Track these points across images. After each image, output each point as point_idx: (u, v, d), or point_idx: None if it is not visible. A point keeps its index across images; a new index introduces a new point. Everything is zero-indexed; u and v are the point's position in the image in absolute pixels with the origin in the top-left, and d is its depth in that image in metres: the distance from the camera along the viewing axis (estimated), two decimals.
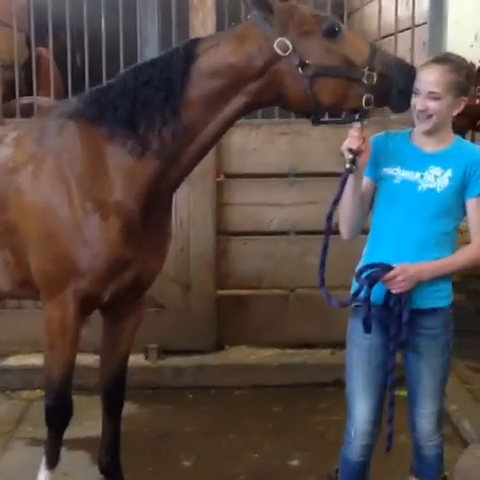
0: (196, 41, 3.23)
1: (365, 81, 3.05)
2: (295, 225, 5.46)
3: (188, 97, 3.14)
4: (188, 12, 5.18)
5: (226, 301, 5.53)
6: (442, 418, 3.35)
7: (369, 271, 3.06)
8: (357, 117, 3.09)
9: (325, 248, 3.15)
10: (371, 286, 3.05)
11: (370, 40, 3.28)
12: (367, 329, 3.10)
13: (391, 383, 3.20)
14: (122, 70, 5.00)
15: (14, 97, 5.33)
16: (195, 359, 5.42)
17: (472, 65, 7.36)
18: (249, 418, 4.86)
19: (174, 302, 5.44)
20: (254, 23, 3.14)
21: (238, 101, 3.17)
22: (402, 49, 5.40)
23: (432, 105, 3.05)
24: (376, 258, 3.11)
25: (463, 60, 3.16)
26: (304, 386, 5.23)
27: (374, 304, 3.10)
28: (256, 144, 5.28)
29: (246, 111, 3.25)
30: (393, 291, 3.06)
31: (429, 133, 3.11)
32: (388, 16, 5.64)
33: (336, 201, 3.13)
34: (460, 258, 3.15)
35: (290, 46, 3.07)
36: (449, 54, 3.23)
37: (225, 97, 3.15)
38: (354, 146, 3.02)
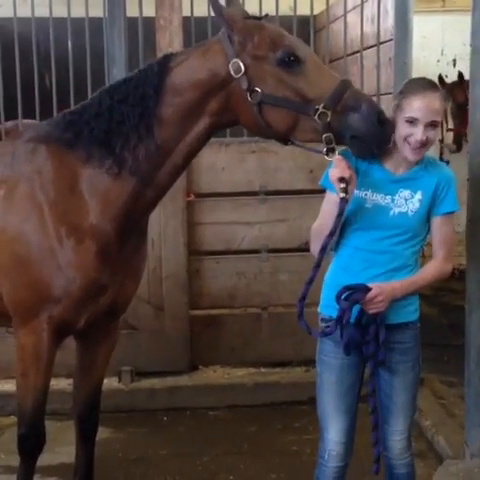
0: (169, 56, 3.21)
1: (317, 119, 2.93)
2: (266, 243, 5.47)
3: (161, 113, 3.12)
4: (155, 32, 5.18)
5: (199, 321, 5.52)
6: (411, 435, 3.34)
7: (347, 293, 3.03)
8: (324, 151, 2.98)
9: (311, 281, 3.02)
10: (351, 308, 3.03)
11: (345, 77, 3.12)
12: (348, 351, 3.09)
13: (373, 406, 3.18)
14: (89, 89, 5.10)
15: None
16: (169, 380, 5.39)
17: (442, 80, 7.46)
18: (224, 439, 4.82)
19: (147, 323, 5.40)
20: (219, 39, 3.11)
21: (204, 120, 3.14)
22: (369, 65, 5.44)
23: (431, 134, 3.02)
24: (347, 277, 3.09)
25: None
26: (279, 405, 5.22)
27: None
28: (225, 163, 5.28)
29: (211, 131, 3.20)
30: (371, 311, 3.03)
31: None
32: (354, 33, 5.71)
33: (332, 234, 3.02)
34: (428, 274, 3.16)
35: (242, 68, 3.02)
36: (429, 79, 3.16)
37: (193, 115, 3.13)
38: (346, 175, 2.93)
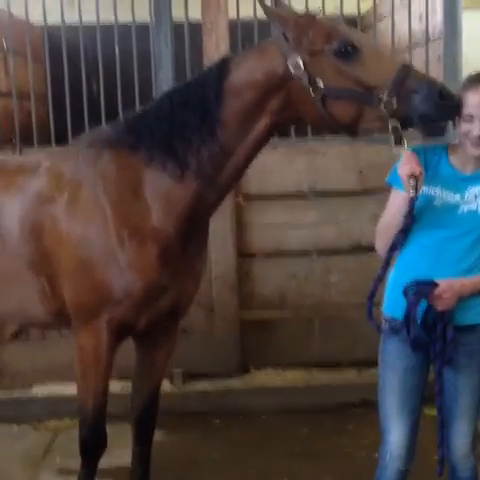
0: (227, 59, 3.23)
1: (382, 107, 2.92)
2: (316, 244, 5.43)
3: (223, 115, 3.13)
4: (201, 35, 5.18)
5: (250, 323, 5.49)
6: (475, 438, 3.28)
7: (415, 288, 2.99)
8: (393, 144, 2.95)
9: (380, 279, 3.02)
10: (419, 303, 2.99)
11: (405, 62, 3.08)
12: (415, 348, 3.05)
13: (439, 406, 3.13)
14: (137, 95, 5.13)
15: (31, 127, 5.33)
16: (220, 383, 5.38)
17: None
18: (277, 442, 4.80)
19: (197, 325, 5.40)
20: (274, 38, 3.13)
21: (264, 120, 3.14)
22: (417, 63, 5.35)
23: None
24: (413, 274, 3.03)
25: None
26: (331, 407, 5.17)
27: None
28: (274, 164, 5.25)
29: (272, 130, 3.21)
30: (438, 308, 2.99)
31: None
32: (402, 31, 5.64)
33: (403, 231, 3.02)
34: None
35: (301, 65, 3.02)
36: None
37: (253, 115, 3.13)
38: (416, 171, 2.89)
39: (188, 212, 3.25)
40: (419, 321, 3.01)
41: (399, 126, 2.93)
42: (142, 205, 3.25)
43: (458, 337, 3.06)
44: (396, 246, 3.03)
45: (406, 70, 2.95)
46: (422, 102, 2.90)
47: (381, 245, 3.11)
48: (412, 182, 2.90)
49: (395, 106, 2.90)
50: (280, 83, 3.08)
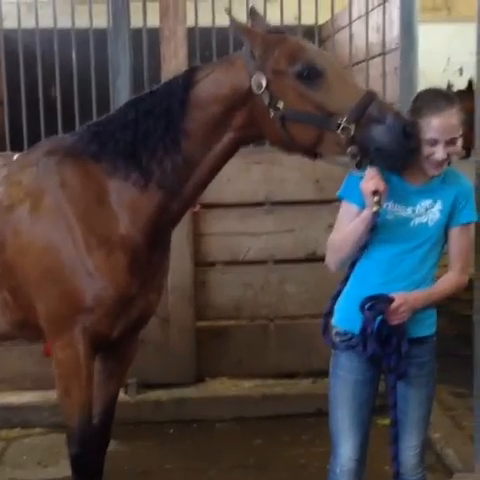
0: (194, 69, 3.19)
1: (340, 133, 2.87)
2: (273, 254, 5.43)
3: (187, 126, 3.09)
4: (159, 43, 5.16)
5: (205, 333, 5.48)
6: (425, 450, 3.28)
7: (370, 304, 2.98)
8: (353, 166, 2.91)
9: (337, 296, 3.03)
10: (375, 319, 2.99)
11: (370, 89, 3.06)
12: (372, 364, 3.06)
13: (394, 419, 3.12)
14: (94, 100, 5.09)
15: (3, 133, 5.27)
16: (175, 392, 5.35)
17: (449, 88, 7.44)
18: (231, 452, 4.77)
19: (152, 335, 5.33)
20: (242, 53, 3.08)
21: (228, 135, 3.11)
22: (374, 75, 5.42)
23: (452, 149, 2.97)
24: (367, 290, 3.02)
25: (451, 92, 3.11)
26: (286, 417, 5.17)
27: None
28: (230, 174, 5.22)
29: (237, 145, 3.17)
30: (393, 322, 2.99)
31: None
32: (359, 43, 5.68)
33: (364, 248, 3.02)
34: (447, 285, 3.11)
35: (264, 84, 2.98)
36: (444, 92, 3.11)
37: (217, 129, 3.09)
38: (381, 187, 2.87)
39: (153, 222, 3.21)
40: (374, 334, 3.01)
41: (358, 151, 2.88)
42: (108, 214, 3.20)
43: (409, 350, 3.05)
44: (356, 263, 3.02)
45: (369, 98, 2.90)
46: (381, 134, 2.85)
47: (334, 260, 3.09)
48: (376, 198, 2.89)
49: (352, 133, 2.85)
50: (244, 99, 3.05)
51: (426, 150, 2.96)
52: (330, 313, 3.06)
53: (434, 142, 2.95)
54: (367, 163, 2.90)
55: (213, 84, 3.10)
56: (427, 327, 3.16)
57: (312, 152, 3.04)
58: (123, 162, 3.17)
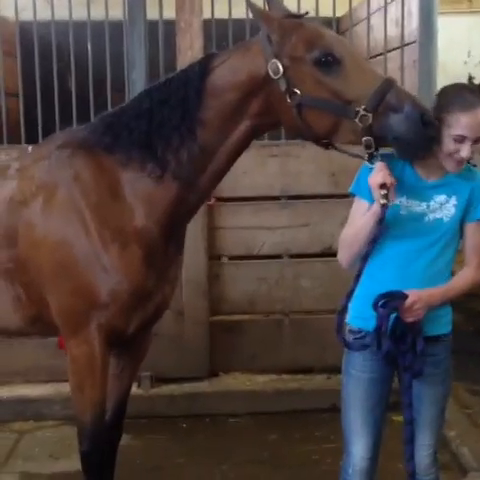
0: (210, 56, 3.13)
1: (358, 121, 2.82)
2: (288, 248, 5.40)
3: (203, 115, 3.04)
4: (175, 35, 5.13)
5: (219, 327, 5.45)
6: (438, 449, 3.23)
7: (384, 301, 2.93)
8: (366, 157, 2.87)
9: (351, 293, 2.95)
10: (389, 316, 2.94)
11: (388, 76, 2.96)
12: (387, 362, 3.00)
13: (409, 419, 3.07)
14: (109, 93, 5.07)
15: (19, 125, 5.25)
16: (189, 387, 5.34)
17: (471, 81, 7.38)
18: (244, 447, 4.75)
19: (166, 329, 5.30)
20: (258, 39, 3.02)
21: (245, 123, 3.05)
22: (393, 68, 5.36)
23: (476, 148, 2.92)
24: (380, 288, 2.96)
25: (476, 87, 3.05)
26: (300, 412, 5.14)
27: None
28: (246, 167, 5.18)
29: (254, 134, 3.11)
30: (408, 320, 2.94)
31: None
32: (378, 35, 5.62)
33: (374, 241, 2.93)
34: (463, 282, 3.07)
35: (281, 70, 2.92)
36: (469, 87, 3.04)
37: (234, 117, 3.04)
38: (388, 181, 2.82)
39: (169, 214, 3.16)
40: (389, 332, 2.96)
41: (372, 142, 2.84)
42: (122, 206, 3.15)
43: (425, 348, 3.00)
44: (368, 256, 2.94)
45: (387, 85, 2.84)
46: (399, 122, 2.80)
47: (346, 256, 3.05)
48: (384, 191, 2.83)
49: (370, 121, 2.80)
50: (261, 85, 2.99)
51: (451, 146, 2.90)
52: (344, 311, 2.99)
53: (462, 139, 2.88)
54: (378, 155, 2.86)
55: (229, 71, 3.04)
56: (443, 325, 3.11)
57: (327, 140, 3.00)
58: (138, 153, 3.12)
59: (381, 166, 2.85)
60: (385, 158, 2.92)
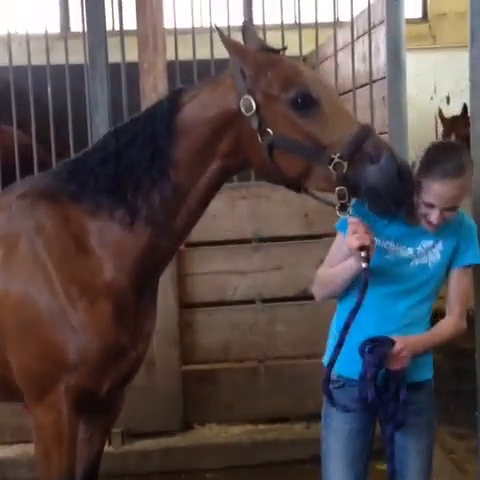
0: (179, 92, 2.96)
1: (331, 169, 2.67)
2: (261, 292, 5.26)
3: (174, 154, 2.87)
4: (138, 77, 5.01)
5: (192, 376, 5.29)
6: None
7: (370, 347, 2.81)
8: (338, 209, 2.71)
9: (340, 345, 2.79)
10: (377, 365, 2.80)
11: (366, 123, 2.86)
12: (372, 411, 2.88)
13: (391, 471, 2.95)
14: (70, 137, 4.91)
15: None
16: (162, 441, 5.15)
17: (441, 115, 7.39)
18: None
19: (137, 381, 4.96)
20: (231, 72, 2.86)
21: (216, 162, 2.89)
22: (362, 104, 5.29)
23: (448, 215, 2.85)
24: (358, 330, 2.83)
25: (466, 152, 2.94)
26: (279, 464, 4.96)
27: (354, 380, 2.87)
28: (215, 210, 5.04)
29: (224, 174, 2.95)
30: (394, 367, 2.81)
31: None
32: (345, 72, 5.57)
33: (356, 310, 2.76)
34: (446, 330, 3.00)
35: (254, 107, 2.77)
36: (457, 153, 2.90)
37: (205, 156, 2.88)
38: (366, 242, 2.67)
39: (141, 264, 2.96)
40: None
41: (346, 193, 2.69)
42: (90, 259, 2.95)
43: (407, 396, 2.89)
44: (350, 325, 2.77)
45: (365, 133, 2.71)
46: (373, 173, 2.66)
47: (320, 293, 2.99)
48: (363, 254, 2.68)
49: (345, 170, 2.66)
50: (232, 122, 2.83)
51: (423, 210, 2.84)
52: (332, 364, 2.82)
53: (431, 206, 2.82)
54: (350, 208, 2.71)
55: (200, 106, 2.88)
56: (425, 372, 3.02)
57: (298, 185, 2.84)
58: (106, 199, 2.93)
59: (355, 225, 2.70)
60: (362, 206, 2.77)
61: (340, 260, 2.89)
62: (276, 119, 2.77)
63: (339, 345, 2.78)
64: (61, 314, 2.92)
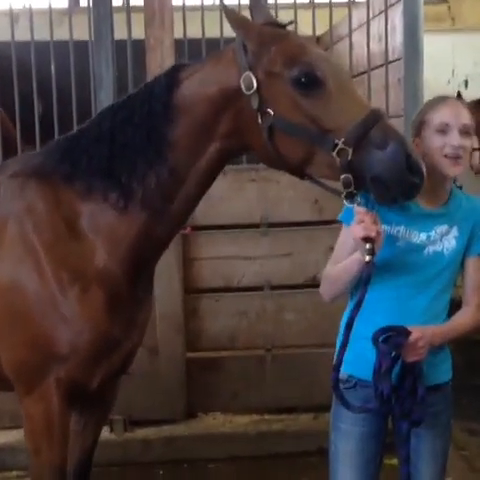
0: (179, 67, 2.80)
1: (335, 155, 2.49)
2: (269, 279, 5.15)
3: (172, 134, 2.71)
4: (144, 54, 4.87)
5: (197, 364, 5.20)
6: None
7: (384, 336, 2.64)
8: (343, 196, 2.53)
9: (344, 345, 2.62)
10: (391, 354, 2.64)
11: (376, 107, 2.67)
12: (386, 408, 2.71)
13: (406, 474, 2.80)
14: (75, 115, 4.78)
15: None
16: (165, 430, 5.08)
17: (460, 97, 7.24)
18: None
19: (140, 367, 4.98)
20: (233, 47, 2.69)
21: (214, 144, 2.73)
22: (377, 87, 5.16)
23: (468, 143, 2.71)
24: (370, 329, 2.67)
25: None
26: (284, 456, 4.87)
27: (366, 381, 2.70)
28: (223, 192, 4.93)
29: (223, 157, 2.78)
30: (410, 359, 2.65)
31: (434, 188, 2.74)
32: (360, 53, 5.44)
33: (359, 304, 2.60)
34: (464, 323, 2.83)
35: (254, 84, 2.59)
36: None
37: (204, 136, 2.71)
38: (372, 233, 2.50)
39: (136, 250, 2.83)
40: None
41: (352, 181, 2.50)
42: (82, 244, 2.82)
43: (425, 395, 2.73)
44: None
45: (374, 118, 2.51)
46: (380, 161, 2.47)
47: (328, 292, 2.83)
48: (368, 246, 2.51)
49: (350, 156, 2.48)
50: (232, 100, 2.66)
51: (439, 142, 2.69)
52: (339, 366, 2.66)
53: (446, 128, 2.69)
54: (358, 196, 2.54)
55: (200, 82, 2.72)
56: (441, 373, 2.87)
57: (299, 171, 2.68)
58: (100, 181, 2.78)
59: (362, 214, 2.52)
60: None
61: (346, 256, 2.72)
62: (277, 99, 2.59)
63: (343, 345, 2.62)
64: (51, 302, 2.80)
